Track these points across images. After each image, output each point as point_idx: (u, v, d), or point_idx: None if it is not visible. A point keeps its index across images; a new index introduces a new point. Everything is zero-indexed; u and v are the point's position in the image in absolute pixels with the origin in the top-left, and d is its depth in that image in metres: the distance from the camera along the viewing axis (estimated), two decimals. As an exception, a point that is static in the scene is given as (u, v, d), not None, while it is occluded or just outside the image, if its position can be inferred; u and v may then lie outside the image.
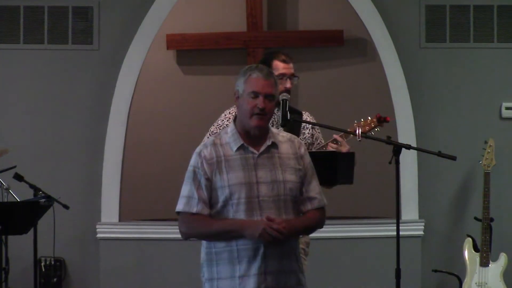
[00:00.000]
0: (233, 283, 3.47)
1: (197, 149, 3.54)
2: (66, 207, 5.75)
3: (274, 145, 3.54)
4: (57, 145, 6.85)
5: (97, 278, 6.69)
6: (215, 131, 4.63)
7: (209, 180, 3.47)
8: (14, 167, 5.88)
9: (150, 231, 6.71)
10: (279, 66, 4.57)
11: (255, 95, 3.47)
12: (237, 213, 3.45)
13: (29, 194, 5.80)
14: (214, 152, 3.50)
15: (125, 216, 6.84)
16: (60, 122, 6.86)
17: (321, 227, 3.64)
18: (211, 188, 3.47)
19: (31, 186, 5.79)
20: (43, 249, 6.13)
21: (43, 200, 5.63)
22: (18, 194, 5.78)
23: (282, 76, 4.53)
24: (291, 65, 4.58)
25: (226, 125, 4.54)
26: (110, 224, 6.72)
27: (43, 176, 6.49)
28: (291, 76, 4.58)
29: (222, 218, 3.48)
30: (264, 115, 3.47)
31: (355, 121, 4.71)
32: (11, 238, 5.85)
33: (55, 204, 5.70)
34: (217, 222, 3.46)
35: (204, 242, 3.57)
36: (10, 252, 5.84)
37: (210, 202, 3.48)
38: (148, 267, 6.67)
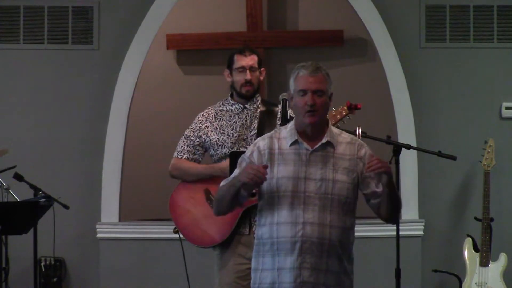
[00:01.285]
0: (273, 274, 3.51)
1: (255, 141, 3.63)
2: (66, 207, 5.75)
3: (330, 144, 3.55)
4: (57, 145, 6.85)
5: (97, 278, 6.69)
6: (189, 134, 4.67)
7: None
8: (14, 167, 5.88)
9: (150, 231, 6.71)
10: (238, 59, 4.58)
11: (304, 92, 3.51)
12: (280, 205, 3.49)
13: (29, 194, 5.80)
14: (269, 144, 3.56)
15: (125, 216, 6.84)
16: (60, 122, 6.86)
17: (399, 213, 3.64)
18: None
19: (31, 186, 5.78)
20: (43, 249, 6.13)
21: (43, 200, 5.62)
22: (18, 194, 5.78)
23: (242, 68, 4.56)
24: (250, 57, 4.57)
25: (199, 127, 4.64)
26: (110, 224, 6.72)
27: (43, 176, 6.49)
28: (252, 68, 4.57)
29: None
30: (315, 111, 3.50)
31: None
32: (11, 238, 5.85)
33: (55, 204, 5.70)
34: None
35: (256, 235, 3.62)
36: (10, 252, 5.84)
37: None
38: (148, 267, 6.67)
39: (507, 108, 6.86)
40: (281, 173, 3.50)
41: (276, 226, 3.49)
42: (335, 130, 3.62)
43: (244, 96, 4.61)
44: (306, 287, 3.46)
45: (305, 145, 3.53)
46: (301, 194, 3.48)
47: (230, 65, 4.64)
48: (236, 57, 4.60)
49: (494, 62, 6.90)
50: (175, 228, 4.66)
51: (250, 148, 3.61)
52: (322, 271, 3.48)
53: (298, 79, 3.54)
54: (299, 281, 3.46)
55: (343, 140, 3.59)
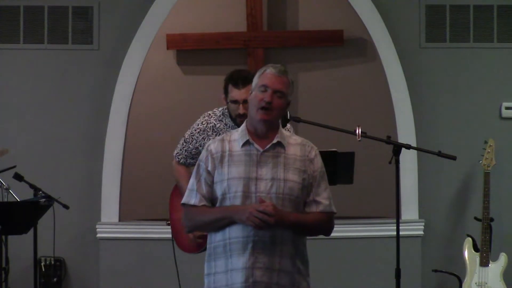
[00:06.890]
0: (226, 276, 3.49)
1: (207, 144, 3.60)
2: (66, 207, 5.75)
3: (281, 145, 3.54)
4: (57, 145, 6.85)
5: (97, 278, 6.69)
6: (188, 140, 4.71)
7: (210, 173, 3.52)
8: (14, 167, 5.88)
9: (150, 231, 6.71)
10: (232, 91, 4.55)
11: (265, 88, 3.51)
12: None
13: (29, 194, 5.80)
14: (220, 147, 3.54)
15: (125, 216, 6.84)
16: (60, 122, 6.86)
17: (326, 232, 3.60)
18: (212, 181, 3.52)
19: (31, 186, 5.78)
20: (43, 249, 6.13)
21: (43, 200, 5.62)
22: (18, 194, 5.78)
23: (236, 101, 4.53)
24: (244, 89, 4.49)
25: (197, 138, 4.68)
26: (110, 224, 6.72)
27: (43, 176, 6.49)
28: (245, 101, 4.50)
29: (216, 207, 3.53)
30: (270, 109, 3.49)
31: None
32: (11, 238, 5.85)
33: (55, 204, 5.70)
34: (211, 210, 3.51)
35: (207, 238, 3.59)
36: (10, 252, 5.84)
37: (212, 196, 3.53)
38: (148, 267, 6.67)
39: (507, 108, 6.86)
40: (231, 174, 3.48)
41: (228, 227, 3.47)
42: (286, 133, 3.62)
43: (238, 124, 4.59)
44: (258, 286, 3.44)
45: (256, 145, 3.52)
46: (252, 195, 3.46)
47: (225, 92, 4.63)
48: (230, 88, 4.57)
49: (494, 62, 6.90)
50: (167, 221, 4.67)
51: (203, 153, 3.58)
52: (275, 271, 3.46)
53: (264, 76, 3.53)
54: (251, 281, 3.43)
55: (294, 142, 3.58)
